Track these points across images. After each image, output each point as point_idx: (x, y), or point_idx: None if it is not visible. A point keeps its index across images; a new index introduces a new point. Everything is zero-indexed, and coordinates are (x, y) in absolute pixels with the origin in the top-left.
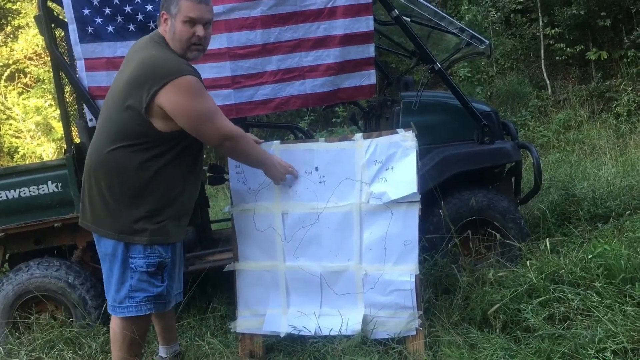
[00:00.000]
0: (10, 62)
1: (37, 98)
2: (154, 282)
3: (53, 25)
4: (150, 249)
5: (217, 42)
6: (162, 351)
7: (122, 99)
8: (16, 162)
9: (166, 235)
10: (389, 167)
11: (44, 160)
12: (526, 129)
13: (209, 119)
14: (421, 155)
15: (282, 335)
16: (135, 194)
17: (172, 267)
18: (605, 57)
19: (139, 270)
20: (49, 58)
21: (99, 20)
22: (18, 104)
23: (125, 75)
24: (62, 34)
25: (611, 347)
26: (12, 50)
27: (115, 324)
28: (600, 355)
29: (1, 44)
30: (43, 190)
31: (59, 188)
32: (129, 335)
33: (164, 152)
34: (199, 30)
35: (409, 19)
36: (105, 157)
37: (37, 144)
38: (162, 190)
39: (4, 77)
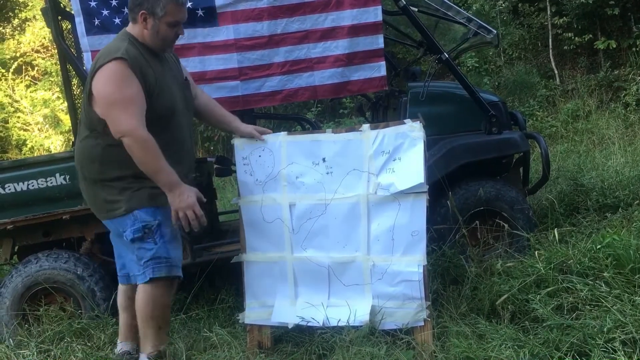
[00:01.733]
0: (18, 54)
1: (45, 91)
2: (145, 246)
3: (60, 17)
4: (133, 217)
5: (224, 33)
6: (121, 346)
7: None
8: (24, 154)
9: (142, 199)
10: (397, 157)
11: (52, 152)
12: (534, 119)
13: (117, 108)
14: (429, 145)
15: (290, 327)
16: (106, 178)
17: (165, 228)
18: (614, 46)
19: (129, 239)
20: (56, 50)
21: (105, 12)
22: (26, 97)
23: None
24: (69, 26)
25: (620, 337)
26: (19, 43)
27: (137, 297)
28: (609, 345)
29: (8, 36)
30: (51, 183)
31: (67, 180)
32: (149, 307)
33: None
34: (181, 30)
35: (416, 9)
36: (80, 146)
37: (45, 136)
38: (131, 173)
39: (11, 70)
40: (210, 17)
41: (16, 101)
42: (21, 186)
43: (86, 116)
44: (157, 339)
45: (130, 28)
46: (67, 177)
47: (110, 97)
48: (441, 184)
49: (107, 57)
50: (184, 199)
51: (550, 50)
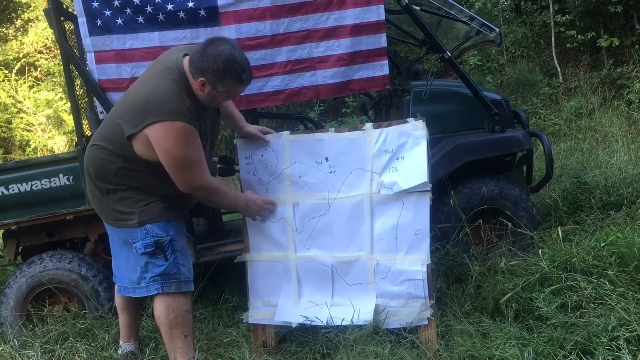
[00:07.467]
0: (21, 55)
1: (48, 91)
2: (156, 262)
3: (62, 18)
4: (145, 230)
5: (226, 33)
6: (125, 346)
7: (118, 113)
8: (28, 155)
9: (155, 213)
10: (400, 156)
11: (56, 153)
12: (537, 117)
13: (188, 168)
14: (432, 144)
15: (294, 326)
16: (118, 189)
17: (177, 243)
18: (617, 43)
19: (139, 252)
20: (59, 51)
21: (108, 12)
22: (29, 98)
23: (137, 92)
24: (72, 27)
25: (624, 335)
26: (22, 43)
27: (154, 309)
28: (614, 343)
29: (11, 37)
30: (55, 183)
31: (71, 181)
32: (170, 315)
33: (142, 166)
34: (235, 98)
35: (419, 8)
36: (94, 153)
37: (49, 137)
38: (143, 189)
39: (14, 71)
40: (213, 17)
41: (19, 102)
42: (25, 187)
43: (116, 139)
44: (187, 348)
45: (188, 73)
46: (71, 178)
47: (182, 157)
48: (444, 182)
49: (172, 115)
50: (258, 201)
51: (553, 48)
